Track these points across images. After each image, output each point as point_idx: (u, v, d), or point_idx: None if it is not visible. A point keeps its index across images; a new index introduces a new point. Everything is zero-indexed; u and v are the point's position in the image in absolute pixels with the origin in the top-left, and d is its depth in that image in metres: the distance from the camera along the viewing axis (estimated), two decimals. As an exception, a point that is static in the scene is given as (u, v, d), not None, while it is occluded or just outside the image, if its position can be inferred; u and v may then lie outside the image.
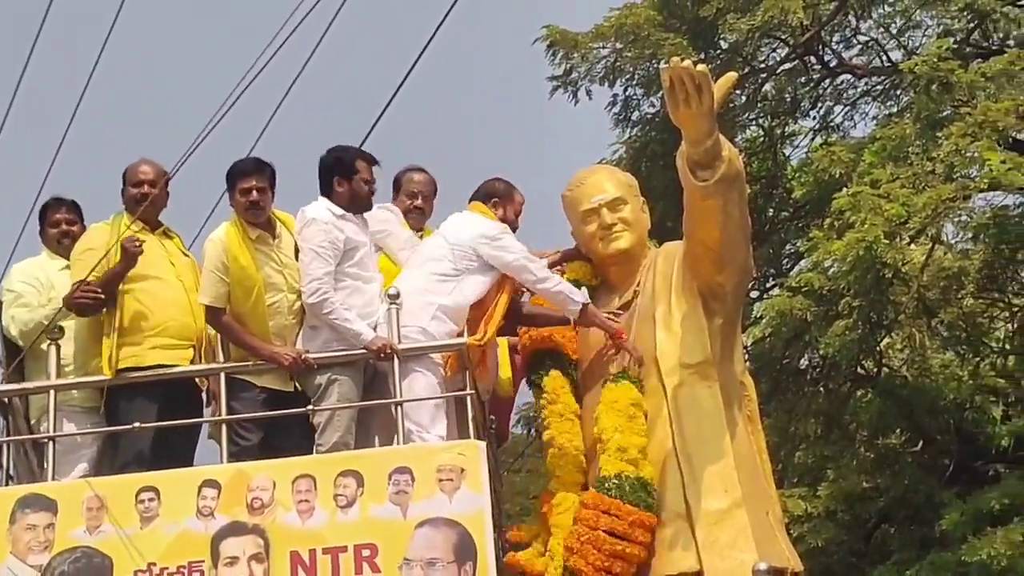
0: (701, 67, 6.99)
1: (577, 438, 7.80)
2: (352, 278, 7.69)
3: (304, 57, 7.18)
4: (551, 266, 8.29)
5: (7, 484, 7.53)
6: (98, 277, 7.53)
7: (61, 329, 7.63)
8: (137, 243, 7.54)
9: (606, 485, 7.51)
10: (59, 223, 8.15)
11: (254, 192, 7.68)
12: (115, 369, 7.48)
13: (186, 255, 8.04)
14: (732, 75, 7.67)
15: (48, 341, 7.61)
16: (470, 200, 8.26)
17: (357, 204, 7.84)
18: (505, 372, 8.19)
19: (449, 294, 7.73)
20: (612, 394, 7.76)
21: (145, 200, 7.82)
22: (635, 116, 17.07)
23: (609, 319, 7.99)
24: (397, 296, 7.64)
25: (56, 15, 8.27)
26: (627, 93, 16.92)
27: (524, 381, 8.27)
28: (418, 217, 8.43)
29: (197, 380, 7.89)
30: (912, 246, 13.59)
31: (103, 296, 7.50)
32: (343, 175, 7.81)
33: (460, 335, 7.67)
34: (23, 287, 7.91)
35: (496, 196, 8.20)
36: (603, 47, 16.31)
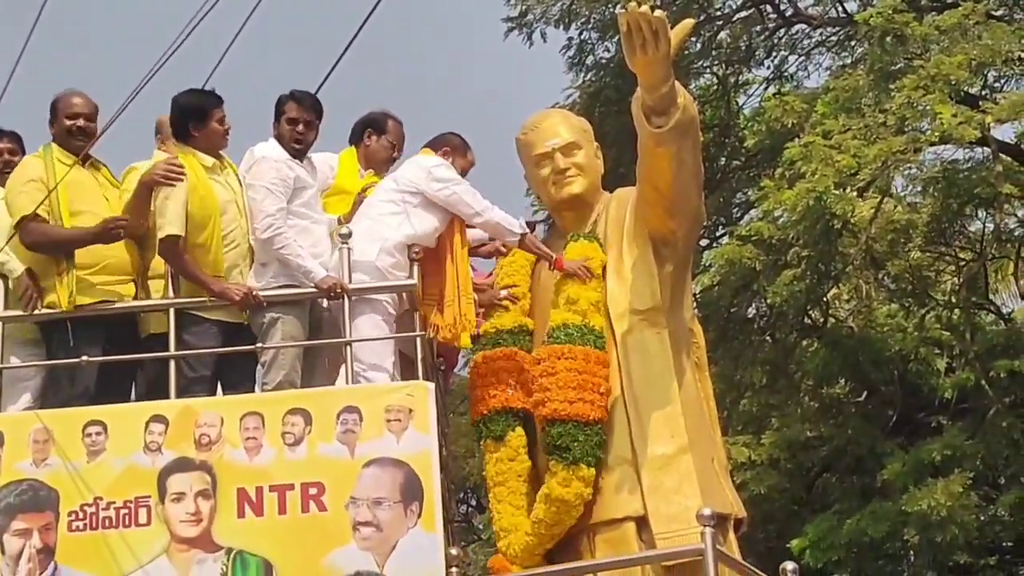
0: (659, 13, 6.97)
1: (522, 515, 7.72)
2: (300, 217, 7.68)
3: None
4: (488, 255, 8.38)
5: (-47, 415, 7.47)
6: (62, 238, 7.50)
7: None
8: (122, 228, 7.47)
9: (554, 335, 7.61)
10: (1, 153, 8.08)
11: (225, 120, 7.71)
12: (73, 304, 7.42)
13: (115, 186, 7.95)
14: (689, 22, 7.69)
15: (-2, 274, 7.54)
16: (423, 147, 8.27)
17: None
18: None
19: (397, 228, 7.74)
20: (574, 251, 7.85)
21: (80, 132, 7.77)
22: (589, 61, 17.06)
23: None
24: (349, 235, 7.64)
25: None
26: (582, 37, 16.91)
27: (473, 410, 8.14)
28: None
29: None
30: (861, 198, 13.68)
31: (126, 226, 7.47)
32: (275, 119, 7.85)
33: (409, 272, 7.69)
34: None
35: (448, 146, 8.20)
36: (560, -11, 16.28)
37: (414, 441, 7.06)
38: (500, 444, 7.71)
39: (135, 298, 7.69)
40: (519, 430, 7.71)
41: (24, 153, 8.06)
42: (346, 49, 6.83)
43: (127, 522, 6.96)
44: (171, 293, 7.59)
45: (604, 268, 7.87)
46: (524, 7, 16.49)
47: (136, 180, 7.71)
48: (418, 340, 7.59)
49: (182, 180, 7.46)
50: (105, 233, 7.47)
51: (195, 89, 7.73)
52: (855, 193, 13.12)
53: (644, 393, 7.60)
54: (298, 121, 7.79)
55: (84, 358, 7.33)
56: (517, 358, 7.82)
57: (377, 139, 8.37)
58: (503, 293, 8.08)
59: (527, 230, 7.99)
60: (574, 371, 7.48)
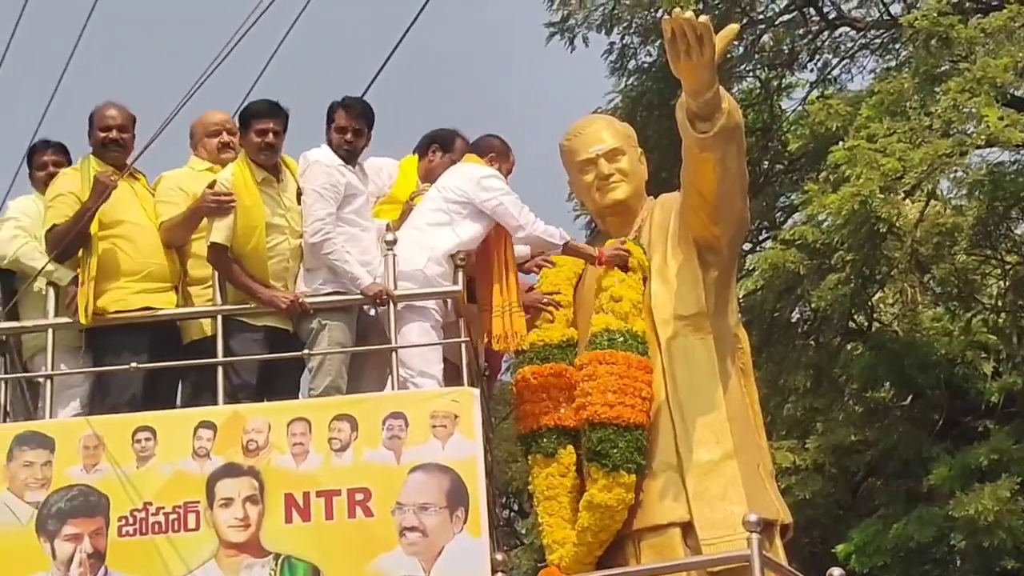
0: (703, 18, 6.98)
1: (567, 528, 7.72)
2: (350, 224, 7.71)
3: (301, 6, 7.14)
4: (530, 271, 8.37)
5: (4, 421, 7.55)
6: (68, 218, 7.56)
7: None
8: (113, 177, 7.54)
9: (596, 340, 7.63)
10: (46, 165, 8.13)
11: (270, 134, 7.69)
12: (91, 315, 7.45)
13: (152, 195, 8.01)
14: (733, 27, 7.67)
15: (46, 281, 7.61)
16: (467, 153, 8.28)
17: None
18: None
19: (445, 237, 7.75)
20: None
21: (113, 144, 7.85)
22: (632, 65, 17.03)
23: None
24: (394, 242, 7.67)
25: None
26: (624, 41, 16.88)
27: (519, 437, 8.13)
28: None
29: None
30: (907, 201, 13.61)
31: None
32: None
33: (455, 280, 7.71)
34: (23, 216, 7.91)
35: (493, 152, 8.21)
36: (601, -6, 16.27)
37: (460, 447, 7.09)
38: (551, 460, 7.72)
39: (177, 305, 7.75)
40: (570, 447, 7.71)
41: (70, 164, 8.14)
42: (389, 55, 6.90)
43: (176, 527, 7.03)
44: (218, 299, 7.65)
45: (647, 272, 7.87)
46: (566, 12, 16.49)
47: (165, 187, 7.85)
48: (463, 346, 7.60)
49: (232, 208, 7.51)
50: (98, 190, 7.51)
51: (262, 99, 7.75)
52: (902, 196, 13.06)
53: (689, 399, 7.60)
54: (347, 129, 7.81)
55: (133, 364, 7.39)
56: (567, 374, 7.82)
57: (441, 156, 8.29)
58: (545, 298, 8.08)
59: (568, 238, 8.00)
60: (615, 375, 7.50)
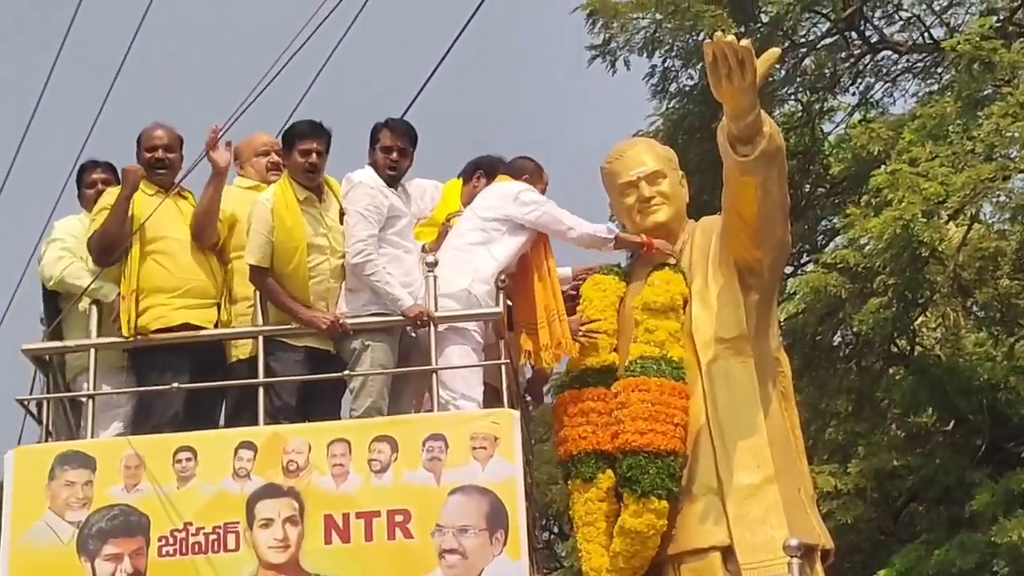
0: (745, 42, 6.97)
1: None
2: (392, 246, 7.73)
3: (344, 27, 7.17)
4: (581, 278, 8.41)
5: (47, 441, 7.59)
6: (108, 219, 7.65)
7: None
8: (138, 168, 7.60)
9: (630, 368, 7.66)
10: (95, 183, 8.19)
11: (313, 155, 7.72)
12: (135, 330, 7.53)
13: None
14: (775, 51, 7.65)
15: (89, 301, 7.66)
16: (499, 175, 8.31)
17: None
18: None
19: (486, 257, 7.78)
20: (655, 277, 7.89)
21: (159, 164, 7.91)
22: (673, 88, 17.02)
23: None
24: (435, 264, 7.69)
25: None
26: (666, 64, 16.87)
27: (561, 463, 8.12)
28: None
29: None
30: (949, 225, 13.53)
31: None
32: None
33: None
34: (68, 237, 7.97)
35: (526, 173, 8.25)
36: (643, 17, 16.26)
37: (499, 469, 7.09)
38: (589, 485, 7.71)
39: (218, 322, 7.78)
40: (608, 472, 7.68)
41: (118, 183, 8.19)
42: (429, 76, 6.87)
43: (216, 547, 7.05)
44: (259, 319, 7.68)
45: (687, 298, 7.86)
46: (608, 35, 16.50)
47: (258, 210, 7.79)
48: (503, 368, 7.61)
49: (139, 177, 7.58)
50: (127, 180, 7.62)
51: (306, 119, 7.78)
52: (944, 220, 12.99)
53: (730, 422, 7.58)
54: (392, 149, 7.83)
55: (175, 384, 7.43)
56: (606, 398, 7.81)
57: (486, 183, 8.30)
58: (583, 328, 8.04)
59: (616, 231, 8.07)
60: (647, 402, 7.50)
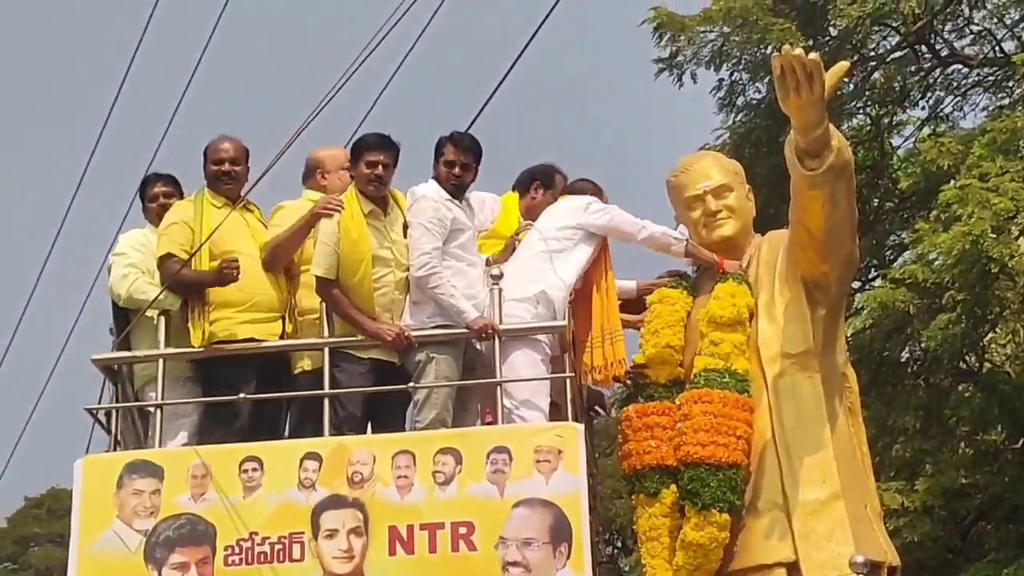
0: (813, 55, 6.93)
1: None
2: (456, 259, 7.75)
3: (411, 41, 7.20)
4: (645, 292, 8.43)
5: (115, 450, 7.67)
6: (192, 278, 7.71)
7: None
8: (235, 270, 7.64)
9: (694, 380, 7.64)
10: (157, 196, 8.28)
11: (380, 167, 7.76)
12: (208, 342, 7.62)
13: (266, 227, 8.13)
14: (844, 64, 7.60)
15: (157, 311, 7.73)
16: (551, 183, 8.35)
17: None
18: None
19: (557, 268, 7.81)
20: (721, 290, 7.86)
21: (225, 177, 7.99)
22: (740, 101, 16.98)
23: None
24: (500, 276, 7.71)
25: (167, -1, 8.38)
26: (733, 78, 16.82)
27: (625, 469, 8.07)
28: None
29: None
30: (1020, 240, 13.38)
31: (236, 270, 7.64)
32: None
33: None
34: (132, 251, 8.05)
35: (587, 193, 8.26)
36: (710, 31, 16.23)
37: (563, 482, 7.09)
38: (653, 500, 7.67)
39: (283, 334, 7.83)
40: (672, 487, 7.63)
41: (181, 196, 8.27)
42: (494, 91, 6.89)
43: (281, 557, 7.10)
44: (325, 330, 7.72)
45: (753, 311, 7.83)
46: (675, 48, 16.48)
47: (283, 218, 7.95)
48: (568, 381, 7.61)
49: (339, 211, 7.58)
50: (220, 276, 7.65)
51: (374, 132, 7.83)
52: (1015, 235, 12.86)
53: (796, 437, 7.53)
54: (455, 163, 7.86)
55: (242, 395, 7.48)
56: (671, 412, 7.79)
57: (543, 193, 8.35)
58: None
59: (687, 236, 8.06)
60: (709, 414, 7.46)
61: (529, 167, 8.53)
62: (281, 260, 7.89)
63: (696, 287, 8.24)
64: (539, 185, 8.40)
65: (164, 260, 7.79)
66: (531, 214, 8.32)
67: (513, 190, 8.50)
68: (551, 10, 6.35)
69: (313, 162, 8.34)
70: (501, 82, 6.73)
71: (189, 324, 7.67)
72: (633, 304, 8.45)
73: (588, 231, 7.93)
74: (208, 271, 7.72)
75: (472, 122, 7.71)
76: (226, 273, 7.63)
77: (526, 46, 6.55)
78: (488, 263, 7.92)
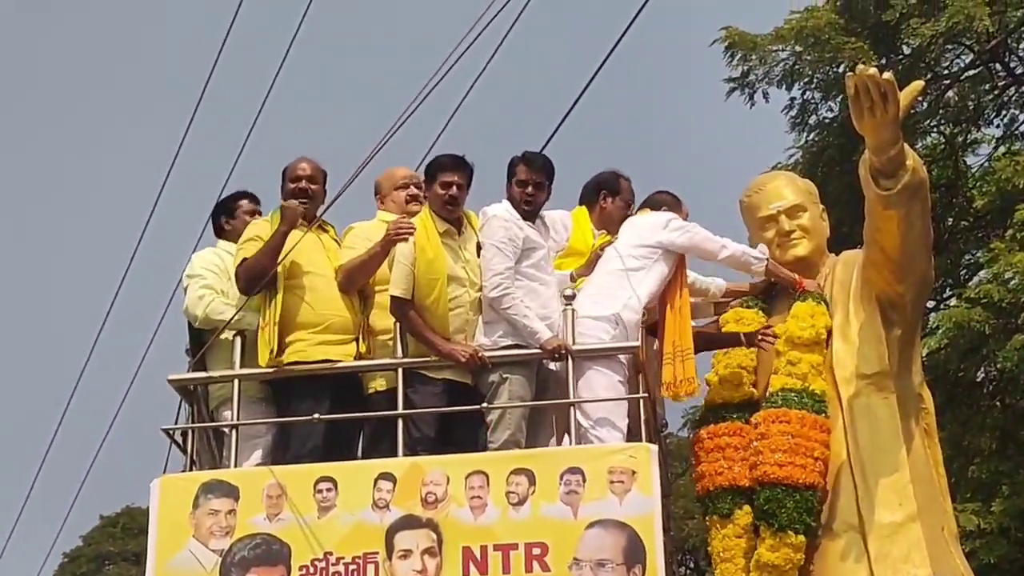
0: (887, 75, 6.89)
1: None
2: (529, 278, 7.75)
3: (484, 61, 7.23)
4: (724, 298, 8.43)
5: (191, 469, 7.73)
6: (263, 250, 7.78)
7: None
8: (293, 208, 7.74)
9: (771, 399, 7.60)
10: (244, 211, 8.40)
11: (454, 187, 7.80)
12: (277, 363, 7.65)
13: (340, 246, 8.17)
14: (919, 84, 7.53)
15: (233, 332, 7.79)
16: (638, 210, 8.31)
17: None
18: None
19: (634, 287, 7.79)
20: (799, 309, 7.81)
21: (301, 194, 8.04)
22: (812, 120, 16.90)
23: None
24: (573, 297, 7.71)
25: (243, 19, 8.46)
26: (805, 97, 16.76)
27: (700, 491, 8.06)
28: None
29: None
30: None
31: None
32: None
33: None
34: (207, 272, 8.11)
35: (665, 205, 8.25)
36: (782, 50, 16.18)
37: (637, 503, 7.07)
38: (727, 521, 7.64)
39: (357, 355, 7.85)
40: (746, 508, 7.61)
41: (261, 214, 8.34)
42: (570, 110, 6.88)
43: (356, 578, 7.11)
44: (399, 351, 7.74)
45: (830, 331, 7.79)
46: (746, 67, 16.44)
47: (355, 238, 8.01)
48: (641, 402, 7.60)
49: (411, 234, 7.62)
50: (287, 219, 7.74)
51: (448, 153, 7.86)
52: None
53: (871, 459, 7.48)
54: (528, 183, 7.87)
55: (316, 416, 7.52)
56: (743, 433, 7.76)
57: (612, 200, 8.35)
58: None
59: (768, 255, 8.02)
60: (787, 435, 7.42)
61: (591, 178, 8.53)
62: (356, 283, 7.94)
63: (771, 306, 8.20)
64: (607, 194, 8.39)
65: (241, 264, 7.84)
66: (605, 223, 8.31)
67: (580, 204, 8.50)
68: (625, 32, 6.35)
69: (375, 184, 8.41)
70: (575, 103, 6.73)
71: (259, 339, 7.70)
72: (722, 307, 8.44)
73: (667, 249, 7.91)
74: (276, 231, 7.78)
75: (546, 143, 7.73)
76: (288, 208, 7.78)
77: (598, 69, 6.55)
78: (572, 279, 7.92)
